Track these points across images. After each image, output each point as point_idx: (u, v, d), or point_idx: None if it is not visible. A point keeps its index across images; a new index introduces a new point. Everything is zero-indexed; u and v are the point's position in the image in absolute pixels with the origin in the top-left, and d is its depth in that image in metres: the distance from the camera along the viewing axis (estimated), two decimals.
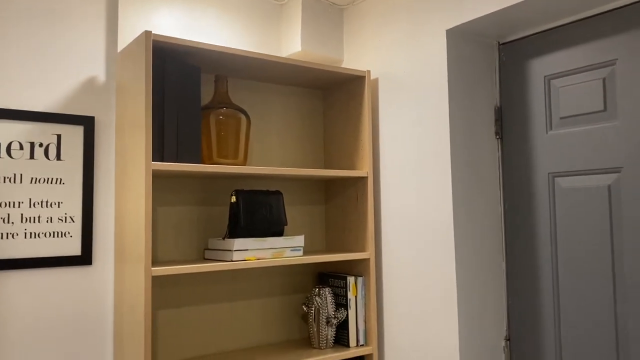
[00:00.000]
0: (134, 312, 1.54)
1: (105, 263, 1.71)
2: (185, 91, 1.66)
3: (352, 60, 2.15)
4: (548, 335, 1.70)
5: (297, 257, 1.81)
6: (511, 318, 1.81)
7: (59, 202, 1.66)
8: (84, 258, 1.68)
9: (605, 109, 1.57)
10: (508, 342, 1.82)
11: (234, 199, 1.77)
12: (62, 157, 1.67)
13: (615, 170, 1.54)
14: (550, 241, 1.70)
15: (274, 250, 1.79)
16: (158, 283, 1.79)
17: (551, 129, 1.71)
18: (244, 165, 1.81)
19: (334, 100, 2.16)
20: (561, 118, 1.68)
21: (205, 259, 1.80)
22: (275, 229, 1.83)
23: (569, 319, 1.64)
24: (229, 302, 1.93)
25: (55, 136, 1.67)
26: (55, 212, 1.66)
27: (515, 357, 1.80)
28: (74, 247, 1.67)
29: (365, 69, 2.06)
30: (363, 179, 2.00)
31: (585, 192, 1.61)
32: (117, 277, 1.68)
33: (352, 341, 1.94)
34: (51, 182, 1.65)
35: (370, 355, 1.94)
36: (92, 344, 1.67)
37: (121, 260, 1.66)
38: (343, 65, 2.17)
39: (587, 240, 1.60)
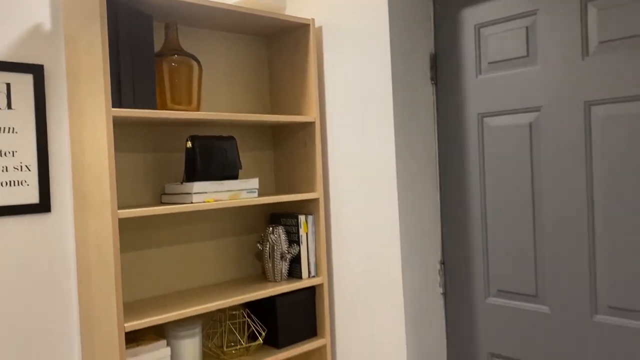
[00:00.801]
0: (102, 256, 1.61)
1: (64, 210, 1.75)
2: (139, 39, 1.68)
3: (297, 9, 2.22)
4: (477, 258, 1.94)
5: (252, 199, 1.92)
6: (445, 244, 2.04)
7: (13, 151, 1.67)
8: (43, 206, 1.71)
9: (527, 55, 1.77)
10: (442, 265, 2.05)
11: (189, 144, 1.84)
12: (13, 106, 1.67)
13: (536, 109, 1.76)
14: (479, 174, 1.91)
15: (230, 192, 1.89)
16: (119, 227, 1.84)
17: (480, 73, 1.90)
18: (198, 111, 1.87)
19: (280, 47, 2.24)
20: (489, 63, 1.87)
21: (163, 203, 1.87)
22: (230, 172, 1.92)
23: (496, 243, 1.88)
24: (187, 244, 2.03)
25: (5, 85, 1.65)
26: (10, 161, 1.66)
27: (448, 279, 2.04)
28: (31, 196, 1.70)
29: (309, 17, 2.14)
30: (310, 124, 2.12)
31: (510, 129, 1.82)
32: (78, 223, 1.73)
33: (305, 273, 2.10)
34: (3, 132, 1.65)
35: (320, 285, 2.12)
36: (55, 290, 1.73)
37: (82, 206, 1.70)
38: (287, 13, 2.24)
39: (511, 172, 1.82)
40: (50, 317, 1.72)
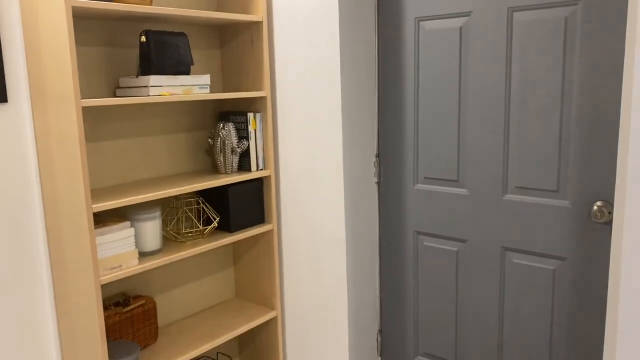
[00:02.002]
0: (66, 145, 1.70)
1: (21, 100, 1.79)
2: None
3: None
4: (408, 150, 2.18)
5: (205, 94, 2.03)
6: (381, 138, 2.27)
7: None
8: None
9: None
10: (378, 157, 2.29)
11: (143, 38, 1.89)
12: None
13: (466, 14, 1.95)
14: (414, 74, 2.11)
15: (184, 87, 1.99)
16: None
17: None
18: (150, 5, 1.91)
19: None
20: None
21: (118, 97, 1.94)
22: (182, 68, 2.01)
23: (425, 137, 2.13)
24: (141, 137, 2.13)
25: None
26: None
27: (383, 169, 2.29)
28: None
29: None
30: (258, 24, 2.20)
31: (443, 32, 2.01)
32: (37, 114, 1.78)
33: (253, 166, 2.28)
34: None
35: (268, 177, 2.31)
36: (16, 179, 1.81)
37: (41, 96, 1.75)
38: None
39: (443, 72, 2.04)
40: (12, 207, 1.81)
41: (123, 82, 1.95)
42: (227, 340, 2.29)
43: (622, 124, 1.41)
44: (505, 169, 1.95)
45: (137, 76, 1.91)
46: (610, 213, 1.72)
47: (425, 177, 2.16)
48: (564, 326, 1.89)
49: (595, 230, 1.78)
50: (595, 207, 1.74)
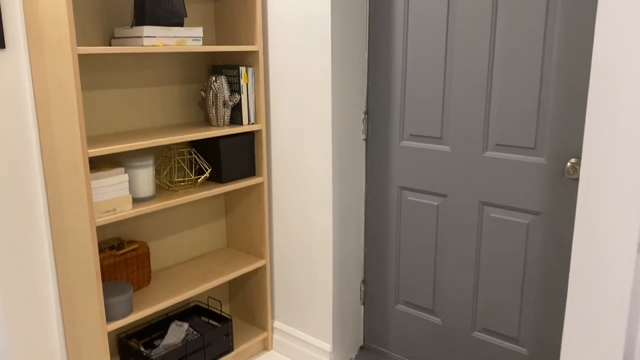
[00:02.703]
0: (62, 91, 1.76)
1: (18, 47, 1.84)
2: None
3: None
4: (395, 108, 2.25)
5: (197, 46, 2.08)
6: (369, 96, 2.33)
7: None
8: None
9: None
10: (366, 114, 2.36)
11: None
12: None
13: None
14: (403, 35, 2.16)
15: (177, 39, 2.04)
16: None
17: None
18: None
19: None
20: None
21: (113, 45, 1.99)
22: (176, 20, 2.05)
23: (412, 95, 2.19)
24: (135, 88, 2.19)
25: None
26: None
27: (370, 126, 2.36)
28: None
29: None
30: None
31: None
32: (34, 60, 1.84)
33: (245, 120, 2.34)
34: None
35: (259, 131, 2.39)
36: (14, 123, 1.87)
37: (38, 43, 1.80)
38: None
39: (430, 32, 2.09)
40: (11, 151, 1.88)
41: (118, 32, 2.00)
42: (217, 285, 2.40)
43: (589, 89, 1.48)
44: (486, 127, 2.02)
45: (131, 27, 1.96)
46: None
47: (410, 135, 2.24)
48: (536, 274, 1.99)
49: (567, 186, 1.87)
50: (568, 164, 1.82)
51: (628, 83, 1.18)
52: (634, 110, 1.13)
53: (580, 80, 1.77)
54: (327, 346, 2.38)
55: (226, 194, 2.61)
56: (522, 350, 2.08)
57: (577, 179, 1.84)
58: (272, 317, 2.60)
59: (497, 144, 2.01)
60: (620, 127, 1.14)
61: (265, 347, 2.60)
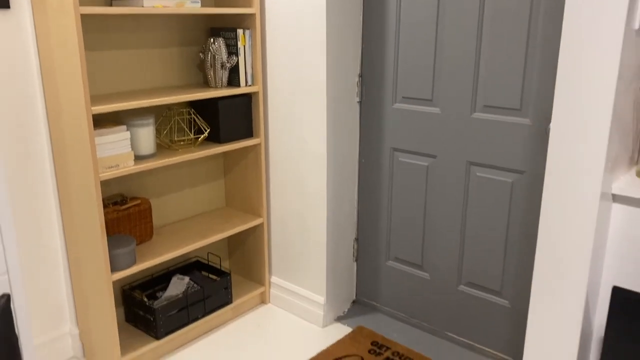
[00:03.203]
0: (66, 51, 1.83)
1: (22, 6, 1.91)
2: None
3: None
4: (389, 71, 2.32)
5: (196, 8, 2.14)
6: (364, 59, 2.39)
7: None
8: (1, 1, 1.86)
9: None
10: (360, 77, 2.43)
11: None
12: None
13: None
14: (396, 8, 2.22)
15: (177, 0, 2.10)
16: None
17: None
18: None
19: None
20: None
21: (114, 6, 2.05)
22: None
23: (405, 59, 2.26)
24: (136, 49, 2.25)
25: None
26: None
27: (365, 88, 2.43)
28: None
29: None
30: None
31: None
32: (38, 21, 1.91)
33: (242, 82, 2.42)
34: None
35: (256, 93, 2.46)
36: (19, 82, 1.95)
37: (41, 3, 1.87)
38: None
39: (422, 7, 2.15)
40: (17, 109, 1.97)
41: None
42: (216, 241, 2.51)
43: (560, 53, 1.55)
44: (474, 89, 2.10)
45: None
46: None
47: (403, 97, 2.31)
48: (518, 231, 2.10)
49: None
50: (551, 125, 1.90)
51: (592, 48, 1.25)
52: (597, 74, 1.21)
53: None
54: (321, 299, 2.51)
55: (224, 155, 2.70)
56: (504, 302, 2.20)
57: None
58: (269, 273, 2.72)
59: (485, 106, 2.09)
60: (586, 87, 1.22)
61: (263, 300, 2.73)
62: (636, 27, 1.20)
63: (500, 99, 2.04)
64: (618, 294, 1.18)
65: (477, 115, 2.11)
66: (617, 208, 1.29)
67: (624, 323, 1.19)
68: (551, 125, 1.34)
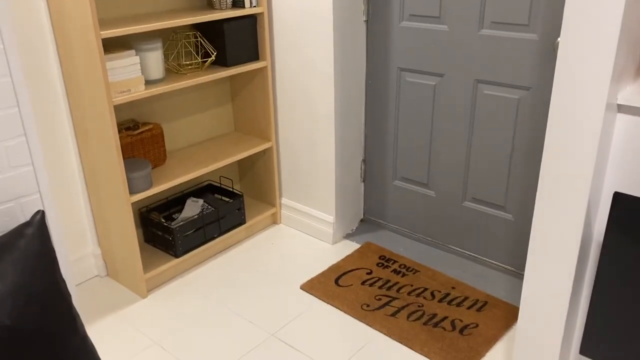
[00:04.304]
0: None
1: None
2: None
3: None
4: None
5: None
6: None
7: None
8: None
9: None
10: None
11: None
12: None
13: None
14: None
15: None
16: None
17: None
18: None
19: None
20: None
21: None
22: None
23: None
24: None
25: None
26: None
27: (371, 7, 2.40)
28: None
29: None
30: None
31: None
32: None
33: (247, 3, 2.39)
34: None
35: (261, 14, 2.44)
36: (25, 10, 1.94)
37: None
38: None
39: None
40: (26, 35, 1.97)
41: None
42: (228, 163, 2.58)
43: None
44: (482, 5, 2.08)
45: None
46: None
47: (410, 15, 2.29)
48: (523, 147, 2.15)
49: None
50: (559, 40, 1.91)
51: None
52: None
53: None
54: (331, 218, 2.60)
55: (231, 79, 2.71)
56: (508, 216, 2.29)
57: None
58: (280, 195, 2.81)
59: (493, 22, 2.08)
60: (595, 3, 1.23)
61: (275, 220, 2.83)
62: None
63: (508, 15, 2.03)
64: (619, 198, 1.25)
65: (485, 32, 2.11)
66: (621, 118, 1.34)
67: (624, 227, 1.27)
68: (560, 38, 1.35)
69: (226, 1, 2.34)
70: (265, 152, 2.71)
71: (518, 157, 2.17)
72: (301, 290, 2.29)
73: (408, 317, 2.11)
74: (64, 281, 1.28)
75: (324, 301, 2.21)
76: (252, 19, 2.43)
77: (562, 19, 1.88)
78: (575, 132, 1.30)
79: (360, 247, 2.58)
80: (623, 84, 1.33)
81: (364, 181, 2.75)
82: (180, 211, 2.61)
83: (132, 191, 2.15)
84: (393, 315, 2.12)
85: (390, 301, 2.19)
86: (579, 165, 1.31)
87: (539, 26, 1.97)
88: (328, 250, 2.59)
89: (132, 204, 2.37)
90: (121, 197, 2.11)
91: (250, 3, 2.40)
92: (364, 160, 2.70)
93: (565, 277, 1.46)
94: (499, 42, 2.08)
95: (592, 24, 1.22)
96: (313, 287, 2.30)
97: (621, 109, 1.33)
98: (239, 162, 2.89)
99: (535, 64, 2.01)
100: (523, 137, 2.13)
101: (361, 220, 2.82)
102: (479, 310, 2.14)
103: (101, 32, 1.87)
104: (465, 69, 2.20)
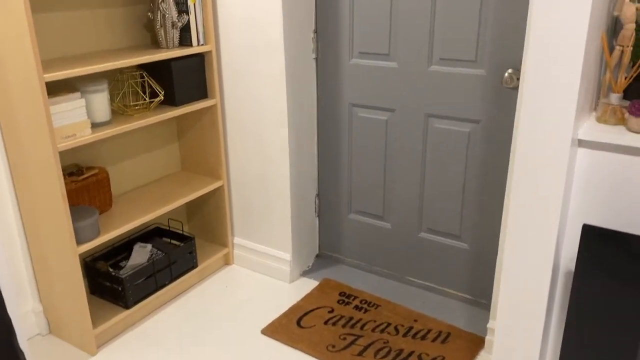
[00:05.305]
0: (11, 16, 1.70)
1: None
2: None
3: None
4: (344, 27, 2.31)
5: None
6: (318, 14, 2.37)
7: None
8: None
9: None
10: (316, 34, 2.41)
11: None
12: None
13: None
14: None
15: None
16: None
17: None
18: None
19: None
20: None
21: None
22: None
23: (360, 13, 2.26)
24: (79, 10, 2.12)
25: None
26: None
27: (321, 44, 2.42)
28: None
29: None
30: None
31: None
32: None
33: (194, 41, 2.33)
34: None
35: (209, 52, 2.39)
36: None
37: None
38: None
39: None
40: None
41: None
42: (178, 206, 2.47)
43: (530, 4, 1.62)
44: (430, 42, 2.15)
45: None
46: (518, 79, 1.98)
47: (359, 52, 2.33)
48: (475, 177, 2.21)
49: (505, 95, 2.05)
50: (506, 74, 1.99)
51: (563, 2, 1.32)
52: (568, 25, 1.28)
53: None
54: (287, 256, 2.55)
55: (178, 117, 2.63)
56: (464, 245, 2.34)
57: (513, 88, 2.02)
58: (232, 234, 2.72)
59: (441, 58, 2.14)
60: (559, 34, 1.29)
61: (227, 261, 2.74)
62: None
63: (455, 52, 2.10)
64: (588, 230, 1.29)
65: (434, 68, 2.17)
66: (582, 152, 1.40)
67: (594, 259, 1.31)
68: (522, 81, 1.41)
69: (173, 40, 2.28)
70: (216, 191, 2.63)
71: (471, 187, 2.23)
72: (262, 335, 2.21)
73: (375, 355, 2.08)
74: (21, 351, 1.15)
75: (289, 345, 2.15)
76: (200, 57, 2.38)
77: (508, 55, 1.98)
78: (542, 168, 1.34)
79: (319, 285, 2.54)
80: (582, 120, 1.40)
81: (318, 216, 2.72)
82: (127, 258, 2.47)
83: (79, 241, 2.00)
84: (360, 354, 2.08)
85: (355, 339, 2.16)
86: (548, 199, 1.35)
87: (485, 62, 2.05)
88: (286, 289, 2.53)
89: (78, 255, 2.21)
90: (67, 248, 1.97)
91: (198, 41, 2.35)
92: (317, 195, 2.68)
93: (537, 308, 1.49)
94: (448, 78, 2.15)
95: (553, 64, 1.27)
96: (275, 330, 2.22)
97: (582, 143, 1.39)
98: (188, 202, 2.78)
99: (484, 97, 2.09)
100: (475, 167, 2.20)
101: (317, 256, 2.79)
102: (443, 342, 2.15)
103: (45, 76, 1.76)
104: (416, 104, 2.25)
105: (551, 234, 1.37)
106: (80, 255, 2.31)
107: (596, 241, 1.29)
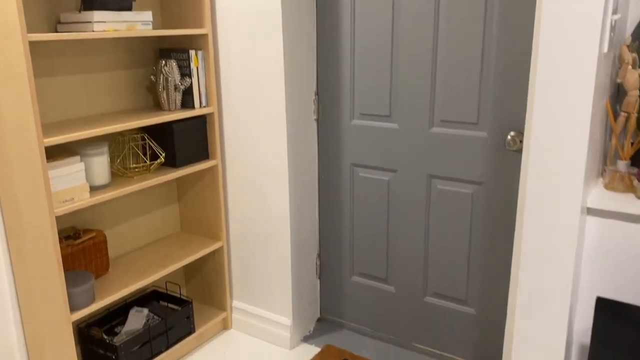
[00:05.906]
0: (14, 78, 1.70)
1: None
2: None
3: None
4: (345, 89, 2.33)
5: (148, 30, 2.06)
6: (320, 77, 2.40)
7: None
8: None
9: None
10: (317, 95, 2.43)
11: None
12: None
13: None
14: (351, 18, 2.24)
15: (127, 23, 2.01)
16: None
17: None
18: None
19: None
20: None
21: (59, 32, 1.94)
22: (125, 4, 2.02)
23: (361, 77, 2.28)
24: (82, 74, 2.13)
25: None
26: None
27: (322, 106, 2.43)
28: None
29: None
30: None
31: None
32: None
33: (197, 104, 2.35)
34: None
35: (211, 114, 2.40)
36: None
37: None
38: None
39: (378, 16, 2.18)
40: None
41: (65, 17, 1.94)
42: (176, 269, 2.42)
43: (531, 68, 1.62)
44: (432, 105, 2.15)
45: (79, 11, 1.91)
46: (521, 142, 1.97)
47: (360, 113, 2.33)
48: (480, 239, 2.17)
49: (507, 157, 2.03)
50: (509, 137, 1.99)
51: (571, 65, 1.32)
52: (575, 87, 1.27)
53: (518, 58, 1.92)
54: (287, 321, 2.47)
55: (178, 178, 2.61)
56: (470, 310, 2.26)
57: (517, 151, 2.01)
58: (231, 297, 2.65)
59: (442, 120, 2.14)
60: (564, 101, 1.28)
61: (225, 326, 2.65)
62: (605, 50, 1.27)
63: (457, 114, 2.10)
64: (602, 304, 1.24)
65: (435, 130, 2.17)
66: (591, 220, 1.36)
67: (608, 332, 1.26)
68: (529, 153, 1.39)
69: (175, 102, 2.29)
70: (215, 253, 2.58)
71: (476, 250, 2.18)
72: None
73: None
74: None
75: None
76: (202, 119, 2.38)
77: (510, 117, 1.97)
78: (552, 238, 1.31)
79: (320, 351, 2.44)
80: (590, 187, 1.37)
81: (319, 278, 2.66)
82: (123, 323, 2.39)
83: (73, 308, 1.94)
84: None
85: None
86: (559, 270, 1.30)
87: (487, 124, 2.05)
88: (286, 356, 2.43)
89: (72, 322, 2.14)
90: (61, 316, 1.90)
91: (200, 103, 2.36)
92: (319, 256, 2.62)
93: None
94: (449, 139, 2.14)
95: (560, 131, 1.26)
96: None
97: (591, 211, 1.36)
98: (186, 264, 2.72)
99: (487, 159, 2.07)
100: (479, 229, 2.16)
101: (318, 320, 2.70)
102: None
103: (45, 140, 1.74)
104: (418, 165, 2.24)
105: (564, 306, 1.32)
106: (74, 322, 2.23)
107: (610, 315, 1.24)
